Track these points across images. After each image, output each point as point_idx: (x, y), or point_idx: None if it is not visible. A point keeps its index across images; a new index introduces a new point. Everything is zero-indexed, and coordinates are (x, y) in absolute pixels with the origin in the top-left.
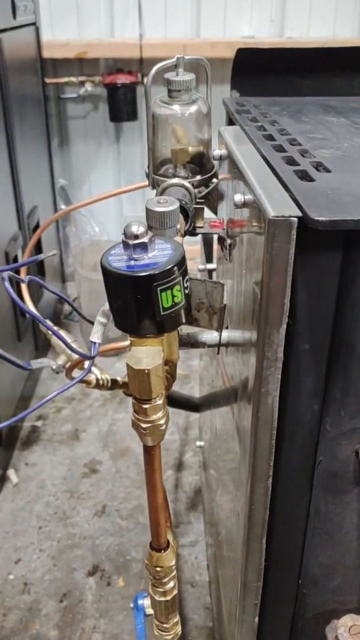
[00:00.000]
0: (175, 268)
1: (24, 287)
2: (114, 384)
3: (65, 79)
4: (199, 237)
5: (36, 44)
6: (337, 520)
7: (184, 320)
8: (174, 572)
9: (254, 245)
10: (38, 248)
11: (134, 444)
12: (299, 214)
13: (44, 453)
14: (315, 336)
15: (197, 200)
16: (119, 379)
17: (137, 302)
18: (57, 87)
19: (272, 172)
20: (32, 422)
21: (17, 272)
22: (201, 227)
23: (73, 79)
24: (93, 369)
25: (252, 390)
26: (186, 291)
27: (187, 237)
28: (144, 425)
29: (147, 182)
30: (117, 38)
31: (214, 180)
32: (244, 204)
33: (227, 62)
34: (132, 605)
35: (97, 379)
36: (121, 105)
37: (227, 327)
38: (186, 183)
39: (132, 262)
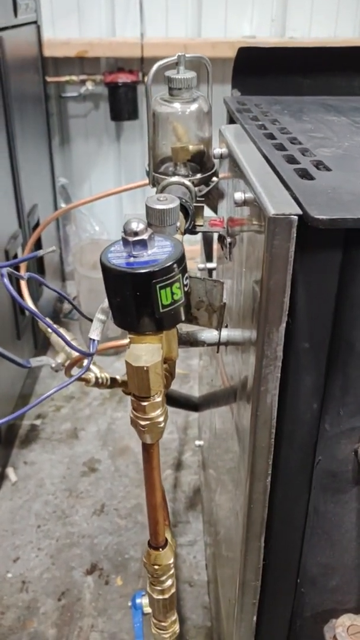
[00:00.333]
0: (175, 265)
1: (23, 284)
2: (113, 383)
3: (66, 78)
4: (199, 236)
5: (37, 43)
6: (336, 520)
7: (183, 318)
8: (172, 571)
9: (254, 244)
10: (38, 246)
11: (133, 443)
12: (299, 212)
13: (43, 452)
14: (314, 335)
15: (198, 198)
16: (118, 377)
17: (136, 299)
18: (58, 86)
19: (272, 170)
20: (31, 421)
21: (17, 269)
22: (201, 226)
23: (74, 77)
24: (92, 367)
25: (252, 389)
26: (185, 289)
27: (188, 237)
28: (142, 423)
29: (147, 181)
30: (118, 37)
31: (215, 178)
32: (244, 202)
33: (228, 61)
34: (130, 604)
35: (97, 378)
36: (122, 104)
37: (226, 326)
38: (186, 181)
39: (132, 259)
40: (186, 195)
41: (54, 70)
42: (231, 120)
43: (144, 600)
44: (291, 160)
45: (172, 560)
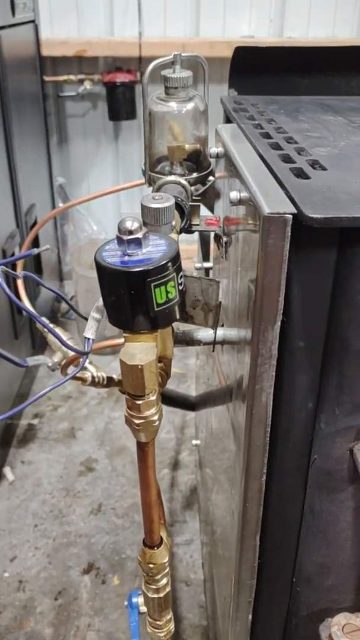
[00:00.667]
0: (170, 264)
1: (20, 283)
2: (110, 382)
3: (64, 77)
4: (197, 236)
5: (35, 42)
6: (331, 519)
7: (178, 317)
8: (167, 569)
9: (250, 243)
10: (35, 246)
11: (130, 443)
12: (294, 211)
13: (40, 451)
14: (309, 334)
15: (194, 197)
16: (114, 376)
17: (130, 297)
18: (56, 85)
19: (268, 169)
20: (29, 420)
21: (14, 268)
22: (197, 225)
23: (72, 77)
24: (89, 366)
25: (247, 388)
26: (180, 287)
27: (185, 237)
28: (137, 421)
29: (144, 180)
30: (116, 36)
31: (211, 178)
32: (240, 202)
33: (226, 61)
34: (126, 603)
35: (93, 377)
36: (120, 103)
37: (222, 325)
38: (182, 180)
39: (126, 258)
40: (182, 194)
41: (52, 70)
42: (228, 120)
43: (140, 600)
44: (287, 159)
45: (167, 559)
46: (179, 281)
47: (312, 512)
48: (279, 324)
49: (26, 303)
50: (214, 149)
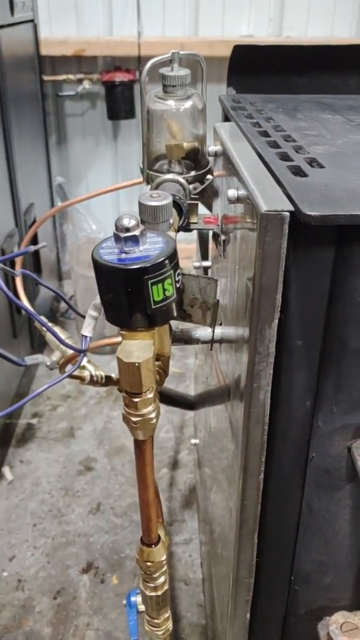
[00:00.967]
0: (167, 261)
1: (18, 282)
2: (108, 381)
3: (63, 77)
4: (195, 236)
5: (34, 41)
6: (329, 517)
7: (175, 314)
8: (165, 568)
9: (247, 241)
10: (34, 244)
11: (129, 442)
12: (292, 208)
13: (39, 450)
14: (307, 332)
15: (192, 196)
16: (113, 375)
17: (128, 295)
18: (55, 85)
19: (265, 167)
20: (28, 420)
21: (12, 267)
22: (195, 223)
23: (71, 76)
24: (87, 365)
25: (244, 386)
26: (177, 285)
27: (185, 236)
28: (134, 419)
29: (142, 179)
30: (115, 36)
31: (209, 176)
32: (238, 200)
33: (225, 61)
34: (125, 602)
35: (91, 375)
36: (119, 103)
37: (220, 324)
38: (180, 179)
39: (124, 255)
40: (180, 192)
41: (51, 69)
42: (226, 119)
43: (139, 599)
44: (285, 157)
45: (164, 557)
46: (177, 279)
47: (310, 511)
48: (276, 322)
49: (25, 302)
50: (212, 147)
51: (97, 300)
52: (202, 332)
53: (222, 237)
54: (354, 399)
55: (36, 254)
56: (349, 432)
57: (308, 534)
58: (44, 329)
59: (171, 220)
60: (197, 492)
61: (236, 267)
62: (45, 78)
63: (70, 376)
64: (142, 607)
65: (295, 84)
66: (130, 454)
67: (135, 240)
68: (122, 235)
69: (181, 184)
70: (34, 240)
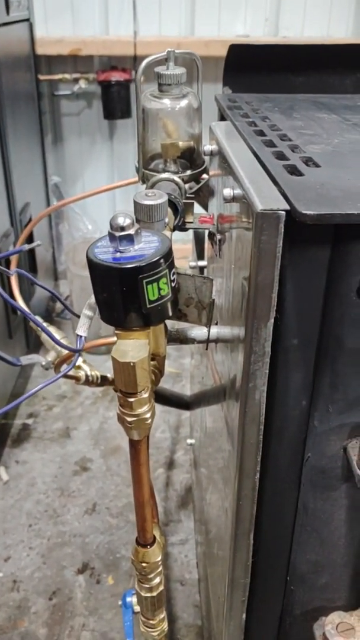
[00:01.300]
0: (162, 260)
1: (14, 282)
2: (104, 381)
3: (59, 76)
4: (191, 236)
5: (30, 41)
6: (325, 517)
7: (170, 314)
8: (160, 568)
9: (243, 240)
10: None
11: (125, 442)
12: (287, 207)
13: (34, 451)
14: (303, 331)
15: (188, 195)
16: (108, 375)
17: (123, 294)
18: (51, 84)
19: (261, 166)
20: (23, 420)
21: (7, 267)
22: (191, 222)
23: (67, 76)
24: (83, 365)
25: (240, 386)
26: (173, 284)
27: (181, 236)
28: (129, 419)
29: (137, 178)
30: (111, 35)
31: (205, 175)
32: (233, 199)
33: (221, 60)
34: (120, 602)
35: (87, 375)
36: (115, 102)
37: (216, 323)
38: (176, 178)
39: (118, 254)
40: (175, 191)
41: (47, 68)
42: (222, 118)
43: (135, 599)
44: (280, 156)
45: (160, 558)
46: (172, 278)
47: (306, 511)
48: (272, 321)
49: (20, 302)
50: (207, 146)
51: (92, 299)
52: (198, 331)
53: (218, 237)
54: (350, 399)
55: (32, 253)
56: (345, 431)
57: (304, 534)
58: (39, 329)
59: (166, 220)
60: (193, 492)
61: (232, 266)
62: (41, 77)
63: (66, 376)
64: (137, 608)
65: (292, 83)
66: (126, 454)
67: (130, 239)
68: (117, 234)
69: (177, 183)
70: (30, 240)
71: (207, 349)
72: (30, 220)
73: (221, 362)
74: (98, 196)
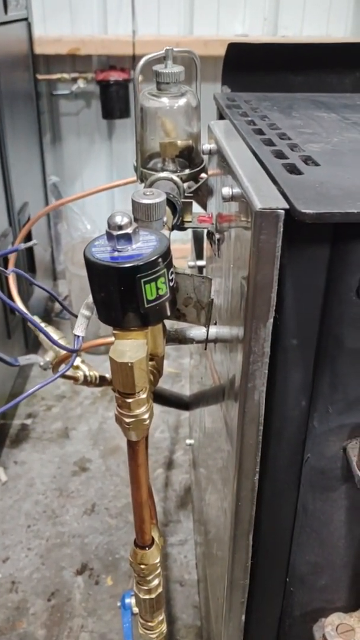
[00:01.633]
0: (160, 260)
1: (12, 282)
2: (103, 381)
3: (58, 76)
4: (190, 236)
5: (28, 40)
6: (325, 518)
7: (168, 313)
8: (159, 570)
9: (242, 240)
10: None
11: (124, 443)
12: (286, 206)
13: (33, 451)
14: (302, 331)
15: (186, 194)
16: (107, 375)
17: (120, 294)
18: (49, 84)
19: (260, 165)
20: (22, 420)
21: (5, 267)
22: (189, 222)
23: (65, 75)
24: (81, 365)
25: (239, 386)
26: (171, 284)
27: (180, 236)
28: (127, 420)
29: (135, 177)
30: (110, 35)
31: (203, 175)
32: (232, 198)
33: (220, 60)
34: (119, 604)
35: (85, 376)
36: (114, 102)
37: (215, 323)
38: (174, 177)
39: (116, 254)
40: (174, 190)
41: (45, 68)
42: (221, 117)
43: (134, 600)
44: (280, 155)
45: (158, 560)
46: (170, 277)
47: (305, 511)
48: (271, 321)
49: (18, 302)
50: (206, 145)
51: (90, 299)
52: (197, 331)
53: (217, 236)
54: (349, 399)
55: (30, 253)
56: (344, 432)
57: (303, 535)
58: (36, 328)
59: (165, 219)
60: (192, 493)
61: (231, 265)
62: (40, 77)
63: (64, 376)
64: (136, 609)
65: (291, 82)
66: (125, 454)
67: (128, 238)
68: (115, 233)
69: (175, 182)
70: (28, 239)
71: (206, 349)
72: (28, 219)
73: (220, 362)
74: (97, 196)
